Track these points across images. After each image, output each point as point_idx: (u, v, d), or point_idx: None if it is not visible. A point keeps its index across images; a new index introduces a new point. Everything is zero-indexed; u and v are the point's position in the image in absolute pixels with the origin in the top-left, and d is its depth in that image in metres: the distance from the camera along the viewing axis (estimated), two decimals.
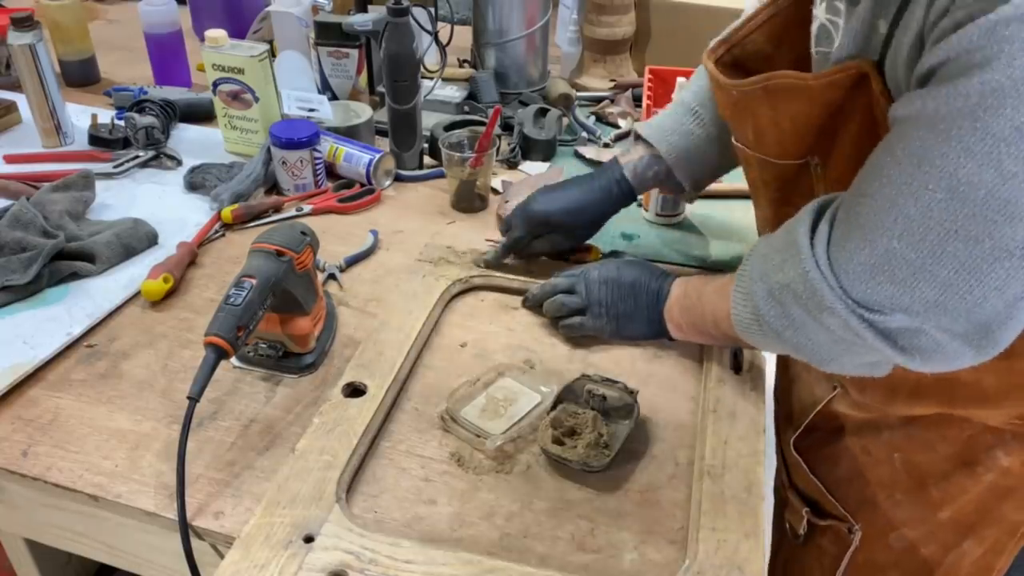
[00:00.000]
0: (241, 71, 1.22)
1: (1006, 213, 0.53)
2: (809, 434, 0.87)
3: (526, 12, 1.42)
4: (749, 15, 0.77)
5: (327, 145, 1.22)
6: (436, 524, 0.69)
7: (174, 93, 1.44)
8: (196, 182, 1.19)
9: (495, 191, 1.21)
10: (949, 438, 0.77)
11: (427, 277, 0.97)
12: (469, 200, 1.18)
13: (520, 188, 1.15)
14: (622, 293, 0.88)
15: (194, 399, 0.71)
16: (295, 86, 1.30)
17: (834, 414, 0.84)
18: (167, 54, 1.52)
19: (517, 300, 0.96)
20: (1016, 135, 0.50)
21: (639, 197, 1.17)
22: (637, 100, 1.48)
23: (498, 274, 0.99)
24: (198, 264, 1.04)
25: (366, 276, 1.03)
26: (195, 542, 0.69)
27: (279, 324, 0.84)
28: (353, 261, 1.05)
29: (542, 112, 1.37)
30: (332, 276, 1.02)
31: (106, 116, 1.35)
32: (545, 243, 0.99)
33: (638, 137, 0.97)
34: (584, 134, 1.38)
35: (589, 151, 1.33)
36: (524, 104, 1.42)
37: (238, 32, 1.43)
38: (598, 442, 0.74)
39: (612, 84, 1.54)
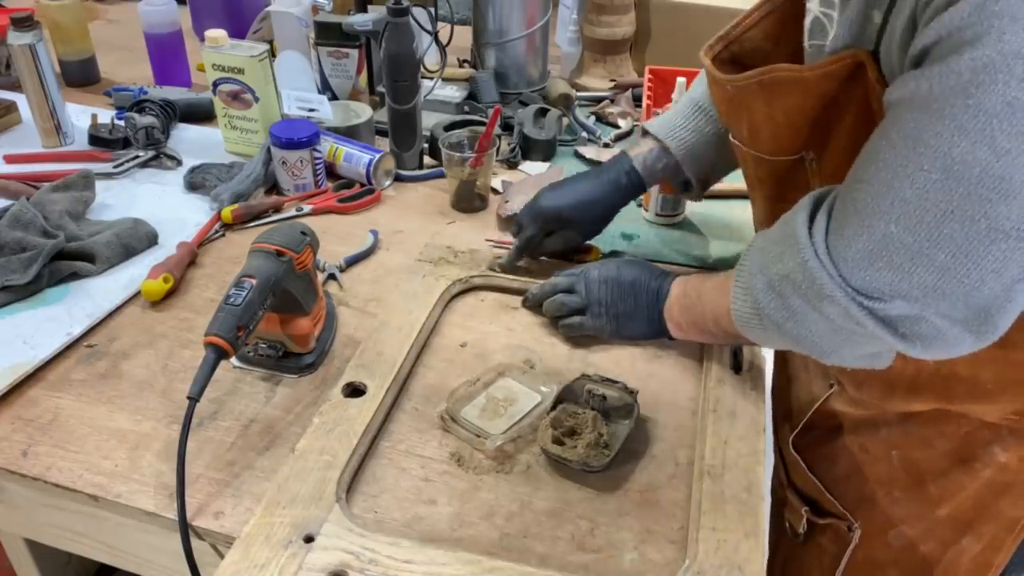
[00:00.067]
0: (241, 71, 1.22)
1: (1000, 191, 0.53)
2: (807, 433, 0.87)
3: (526, 12, 1.42)
4: (746, 12, 0.77)
5: (327, 145, 1.23)
6: (436, 524, 0.69)
7: (174, 93, 1.44)
8: (196, 182, 1.19)
9: (495, 191, 1.21)
10: (947, 435, 0.77)
11: (427, 277, 0.98)
12: (469, 200, 1.18)
13: (520, 188, 1.15)
14: (622, 293, 0.88)
15: (194, 399, 0.71)
16: (295, 86, 1.30)
17: (832, 412, 0.84)
18: (167, 54, 1.52)
19: (517, 300, 0.96)
20: (1008, 110, 0.50)
21: (639, 197, 1.18)
22: (637, 100, 1.48)
23: (498, 274, 0.99)
24: (198, 264, 1.04)
25: (366, 276, 1.03)
26: (195, 542, 0.69)
27: (279, 324, 0.84)
28: (353, 261, 1.05)
29: (542, 112, 1.37)
30: (332, 276, 1.02)
31: (106, 116, 1.35)
32: (558, 240, 0.98)
33: (645, 133, 0.97)
34: (584, 134, 1.38)
35: (589, 151, 1.33)
36: (524, 104, 1.42)
37: (238, 32, 1.43)
38: (598, 442, 0.74)
39: (612, 84, 1.54)
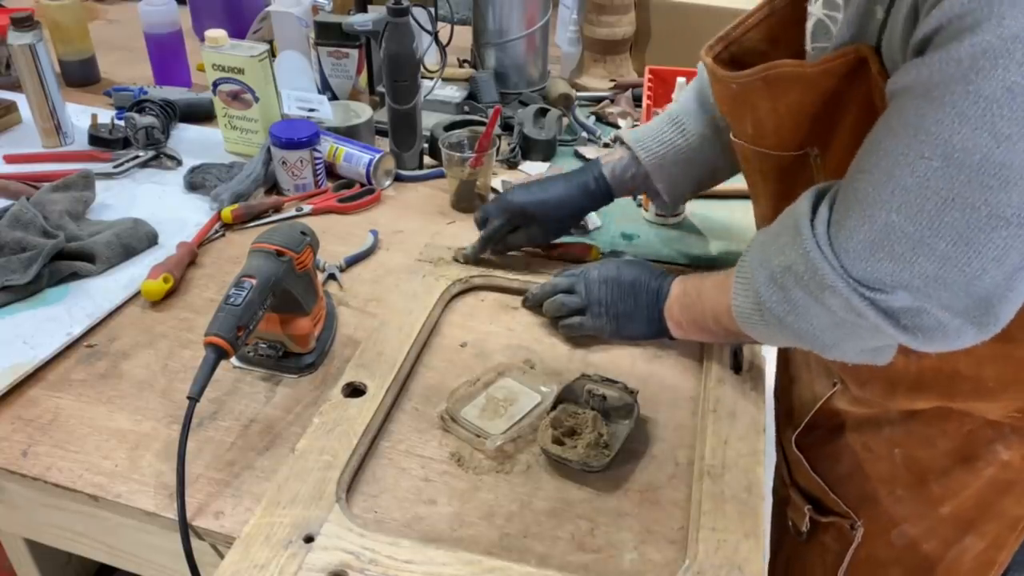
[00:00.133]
0: (241, 71, 1.22)
1: (1001, 177, 0.52)
2: (810, 432, 0.87)
3: (526, 12, 1.42)
4: (746, 13, 0.77)
5: (327, 145, 1.22)
6: (436, 524, 0.69)
7: (174, 93, 1.44)
8: (196, 182, 1.19)
9: (495, 191, 1.21)
10: (949, 433, 0.77)
11: (427, 277, 0.97)
12: (469, 200, 1.18)
13: None
14: (622, 293, 0.88)
15: (194, 399, 0.71)
16: (295, 86, 1.30)
17: (834, 411, 0.84)
18: (167, 54, 1.52)
19: (517, 300, 0.96)
20: (1008, 96, 0.50)
21: (639, 197, 1.18)
22: (637, 100, 1.48)
23: (498, 274, 0.99)
24: (198, 264, 1.04)
25: (366, 276, 1.03)
26: (195, 542, 0.69)
27: (279, 324, 0.84)
28: (353, 261, 1.05)
29: (542, 112, 1.37)
30: (332, 276, 1.02)
31: (106, 116, 1.35)
32: (521, 236, 1.00)
33: (620, 141, 0.99)
34: (584, 134, 1.38)
35: (589, 151, 1.33)
36: (524, 104, 1.42)
37: (238, 32, 1.43)
38: (598, 442, 0.74)
39: (612, 84, 1.54)
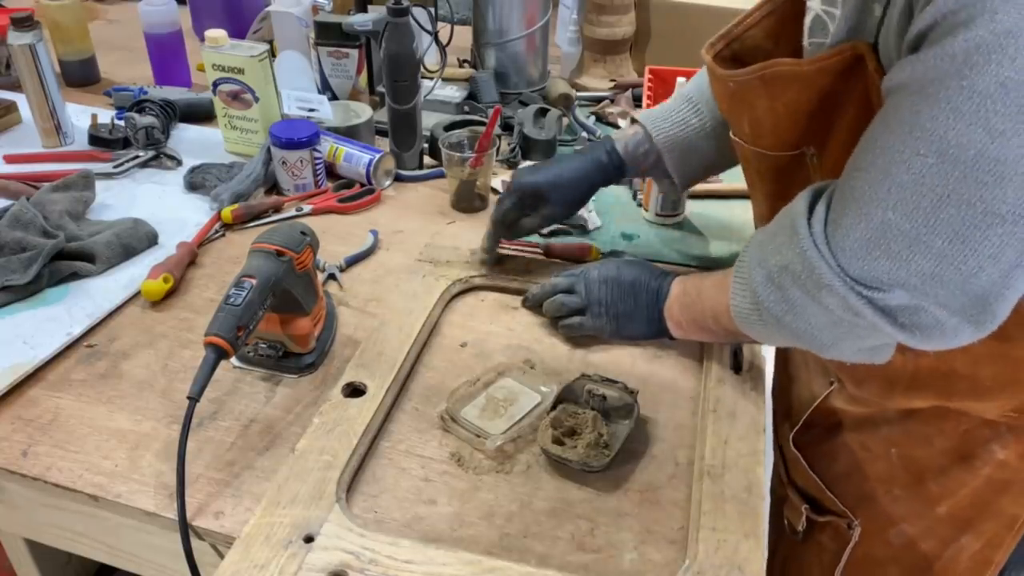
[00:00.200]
0: (241, 71, 1.22)
1: (996, 173, 0.53)
2: (807, 430, 0.87)
3: (526, 12, 1.42)
4: (747, 11, 0.78)
5: (327, 145, 1.23)
6: (436, 524, 0.69)
7: (174, 93, 1.44)
8: (196, 182, 1.19)
9: (495, 191, 1.21)
10: (946, 432, 0.78)
11: (427, 277, 0.98)
12: (469, 200, 1.18)
13: None
14: (622, 292, 0.88)
15: (194, 399, 0.71)
16: (295, 86, 1.30)
17: (832, 410, 0.85)
18: (167, 54, 1.52)
19: (517, 300, 0.96)
20: (1001, 91, 0.50)
21: (639, 197, 1.18)
22: (637, 100, 1.48)
23: (498, 274, 0.99)
24: (198, 264, 1.04)
25: (366, 276, 1.03)
26: (195, 542, 0.69)
27: (279, 324, 0.84)
28: (353, 261, 1.05)
29: (542, 112, 1.37)
30: (332, 276, 1.02)
31: (106, 116, 1.35)
32: (536, 218, 0.97)
33: (634, 121, 0.98)
34: (584, 134, 1.38)
35: None
36: (524, 104, 1.42)
37: (238, 32, 1.43)
38: (598, 442, 0.74)
39: (612, 84, 1.54)
